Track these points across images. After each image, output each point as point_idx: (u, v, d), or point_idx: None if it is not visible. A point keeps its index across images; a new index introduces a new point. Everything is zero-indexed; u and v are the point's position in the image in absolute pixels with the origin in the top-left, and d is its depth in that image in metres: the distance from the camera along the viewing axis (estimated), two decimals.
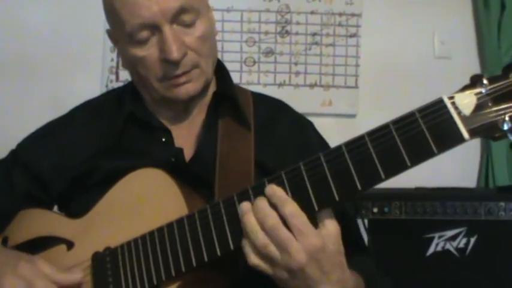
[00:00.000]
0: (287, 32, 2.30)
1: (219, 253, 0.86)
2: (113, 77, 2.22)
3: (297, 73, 2.30)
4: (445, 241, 1.86)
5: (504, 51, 2.31)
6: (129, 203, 0.99)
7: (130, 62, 1.06)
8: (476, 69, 2.40)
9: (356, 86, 2.32)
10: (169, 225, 0.91)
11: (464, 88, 0.75)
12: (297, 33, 2.30)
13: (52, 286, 0.93)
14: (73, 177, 1.10)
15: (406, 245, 1.86)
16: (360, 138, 0.78)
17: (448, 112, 0.74)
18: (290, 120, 1.18)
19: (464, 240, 1.86)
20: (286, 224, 0.79)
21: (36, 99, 2.16)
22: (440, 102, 0.75)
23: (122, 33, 1.02)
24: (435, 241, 1.86)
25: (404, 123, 0.76)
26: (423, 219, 1.86)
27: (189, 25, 1.01)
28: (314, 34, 2.31)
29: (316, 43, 2.31)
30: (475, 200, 1.86)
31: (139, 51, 1.01)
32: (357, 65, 2.32)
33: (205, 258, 0.87)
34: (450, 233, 1.86)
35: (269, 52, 2.29)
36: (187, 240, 0.89)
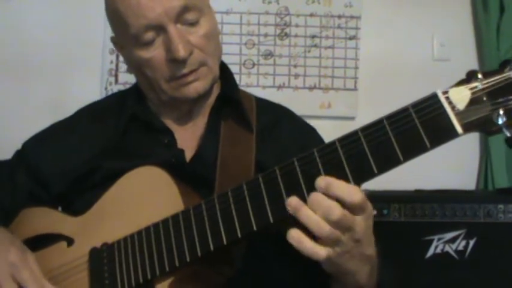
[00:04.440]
0: (286, 35, 2.30)
1: (211, 247, 0.86)
2: (112, 79, 2.22)
3: (296, 75, 2.31)
4: (444, 243, 1.86)
5: (503, 53, 2.31)
6: (128, 200, 1.01)
7: (136, 65, 1.07)
8: None
9: (355, 89, 2.32)
10: (165, 221, 0.92)
11: (459, 83, 0.76)
12: (296, 36, 2.30)
13: (37, 279, 0.96)
14: (75, 177, 1.11)
15: (406, 247, 1.86)
16: (354, 134, 0.79)
17: (442, 107, 0.74)
18: (293, 126, 1.19)
19: (463, 243, 1.86)
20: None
21: (35, 101, 2.16)
22: (434, 97, 0.76)
23: (127, 36, 1.03)
24: (434, 243, 1.86)
25: (398, 118, 0.77)
26: (422, 221, 1.86)
27: (193, 24, 1.02)
28: (313, 36, 2.31)
29: (315, 45, 2.31)
30: (474, 202, 1.86)
31: (145, 53, 1.02)
32: (356, 68, 2.32)
33: (199, 253, 0.88)
34: (449, 235, 1.86)
35: (268, 54, 2.30)
36: (181, 235, 0.90)
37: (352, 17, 2.31)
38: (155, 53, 1.02)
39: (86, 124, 1.18)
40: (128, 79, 2.17)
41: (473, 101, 0.73)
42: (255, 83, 2.27)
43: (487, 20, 2.30)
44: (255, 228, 0.84)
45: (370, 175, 0.78)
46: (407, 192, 1.96)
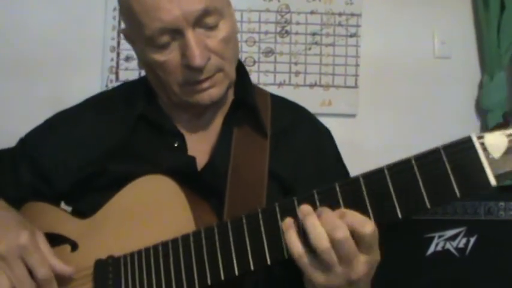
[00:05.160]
0: (287, 32, 2.30)
1: (222, 277, 0.83)
2: (113, 76, 2.22)
3: (297, 73, 2.30)
4: (445, 241, 1.86)
5: (504, 51, 2.31)
6: (135, 209, 0.97)
7: (149, 65, 1.02)
8: (476, 69, 2.40)
9: (356, 86, 2.32)
10: (174, 241, 0.88)
11: (497, 127, 0.70)
12: (296, 33, 2.30)
13: (46, 263, 0.93)
14: (80, 178, 1.08)
15: (406, 245, 1.86)
16: (379, 171, 0.74)
17: (476, 153, 0.68)
18: (308, 130, 1.15)
19: (464, 240, 1.85)
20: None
21: (35, 99, 2.16)
22: (468, 141, 0.69)
23: (140, 36, 0.97)
24: (435, 241, 1.86)
25: (428, 160, 0.72)
26: (423, 219, 1.86)
27: (212, 28, 0.96)
28: (314, 34, 2.31)
29: (316, 43, 2.31)
30: (474, 199, 1.86)
31: (159, 56, 0.96)
32: (357, 65, 2.32)
33: (209, 281, 0.84)
34: (450, 232, 1.86)
35: (269, 52, 2.29)
36: (191, 259, 0.86)
37: (352, 15, 2.31)
38: (170, 56, 0.96)
39: (91, 117, 1.13)
40: (128, 77, 2.17)
41: (510, 150, 0.67)
42: (255, 81, 2.27)
43: (488, 18, 2.30)
44: (269, 262, 0.80)
45: (393, 218, 0.73)
46: None
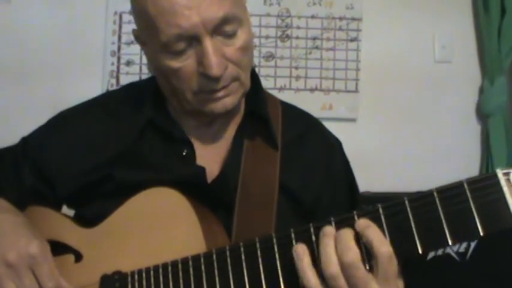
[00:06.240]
0: (287, 36, 2.30)
1: None
2: (114, 81, 2.22)
3: (297, 77, 2.31)
4: None
5: (504, 55, 2.31)
6: (142, 222, 0.95)
7: (161, 70, 0.98)
8: (476, 74, 2.40)
9: (356, 90, 2.32)
10: (185, 262, 0.86)
11: None
12: (297, 38, 2.30)
13: (54, 276, 0.92)
14: (85, 183, 1.05)
15: None
16: (400, 204, 0.73)
17: (501, 190, 0.66)
18: (319, 141, 1.13)
19: (464, 244, 1.85)
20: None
21: (36, 103, 2.16)
22: (493, 177, 0.67)
23: (154, 40, 0.93)
24: None
25: (450, 194, 0.70)
26: None
27: (231, 36, 0.93)
28: (314, 38, 2.31)
29: (316, 47, 2.31)
30: None
31: (174, 63, 0.93)
32: (357, 69, 2.32)
33: None
34: None
35: (269, 56, 2.30)
36: (202, 283, 0.84)
37: (353, 19, 2.31)
38: (185, 63, 0.93)
39: (97, 118, 1.10)
40: (129, 81, 2.17)
41: None
42: None
43: (488, 22, 2.30)
44: None
45: (412, 253, 0.71)
46: (408, 193, 1.95)
